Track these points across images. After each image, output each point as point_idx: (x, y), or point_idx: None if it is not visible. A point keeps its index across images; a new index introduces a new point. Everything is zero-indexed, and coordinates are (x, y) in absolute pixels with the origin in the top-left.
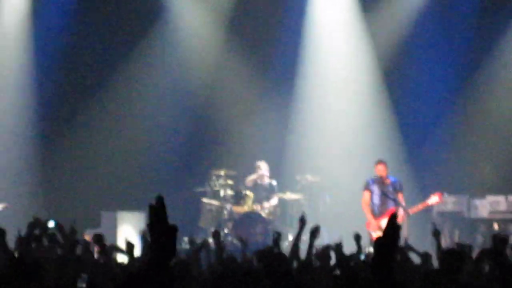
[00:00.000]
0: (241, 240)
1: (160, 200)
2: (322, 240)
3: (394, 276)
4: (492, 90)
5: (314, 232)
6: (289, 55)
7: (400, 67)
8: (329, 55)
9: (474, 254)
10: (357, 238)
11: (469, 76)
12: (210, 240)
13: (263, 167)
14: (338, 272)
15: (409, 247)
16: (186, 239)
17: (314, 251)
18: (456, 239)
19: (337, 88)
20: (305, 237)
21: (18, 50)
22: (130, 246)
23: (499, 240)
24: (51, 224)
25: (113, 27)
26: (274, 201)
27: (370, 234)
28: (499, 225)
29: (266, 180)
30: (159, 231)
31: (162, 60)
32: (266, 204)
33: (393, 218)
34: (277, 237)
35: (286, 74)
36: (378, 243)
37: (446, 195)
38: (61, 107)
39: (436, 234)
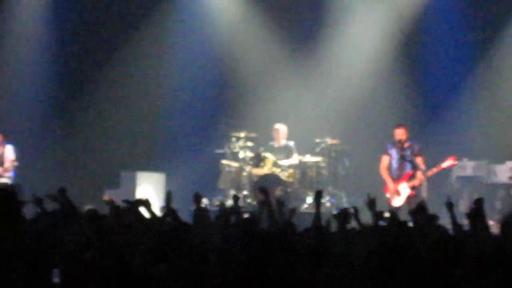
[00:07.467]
0: (278, 201)
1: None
2: (342, 204)
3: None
4: None
5: (318, 196)
6: (312, 18)
7: (421, 33)
8: (351, 20)
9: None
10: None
11: (489, 41)
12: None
13: (281, 130)
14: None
15: (423, 208)
16: (204, 200)
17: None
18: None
19: (358, 53)
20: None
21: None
22: (149, 204)
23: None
24: None
25: None
26: (293, 160)
27: (388, 199)
28: None
29: (284, 142)
30: None
31: (183, 22)
32: (286, 162)
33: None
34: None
35: (307, 36)
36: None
37: (465, 160)
38: (82, 65)
39: (450, 206)
